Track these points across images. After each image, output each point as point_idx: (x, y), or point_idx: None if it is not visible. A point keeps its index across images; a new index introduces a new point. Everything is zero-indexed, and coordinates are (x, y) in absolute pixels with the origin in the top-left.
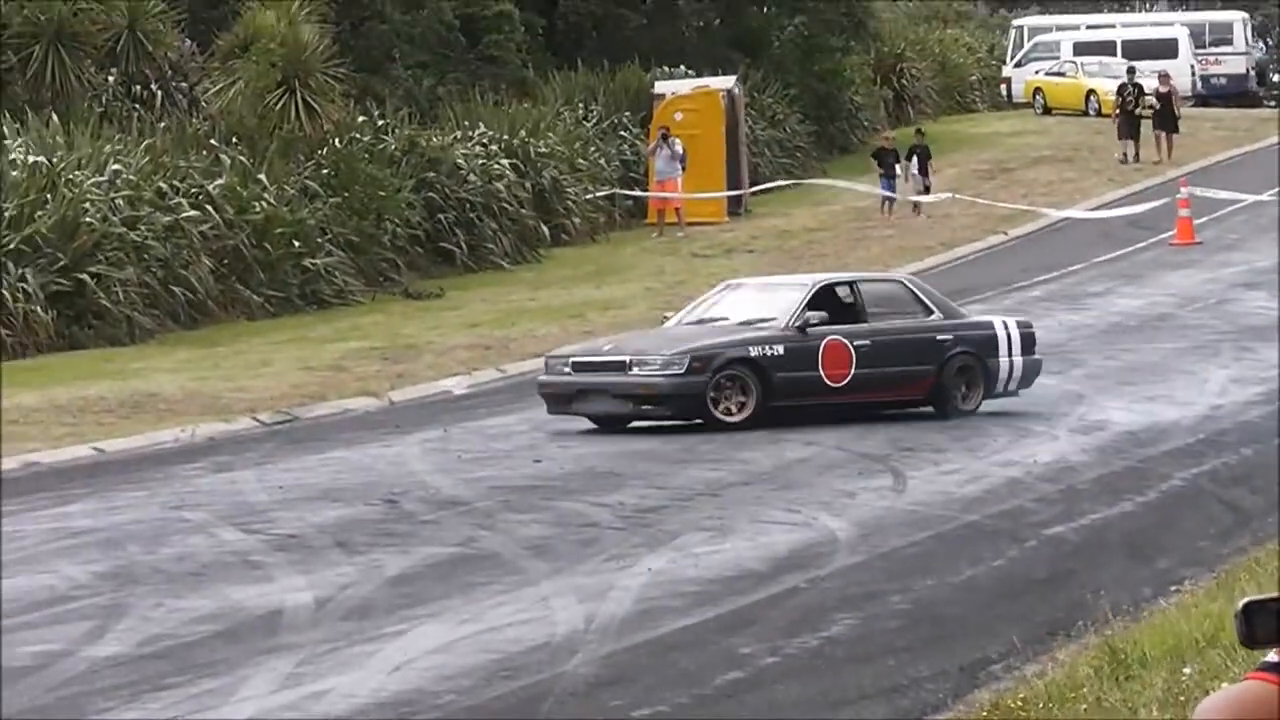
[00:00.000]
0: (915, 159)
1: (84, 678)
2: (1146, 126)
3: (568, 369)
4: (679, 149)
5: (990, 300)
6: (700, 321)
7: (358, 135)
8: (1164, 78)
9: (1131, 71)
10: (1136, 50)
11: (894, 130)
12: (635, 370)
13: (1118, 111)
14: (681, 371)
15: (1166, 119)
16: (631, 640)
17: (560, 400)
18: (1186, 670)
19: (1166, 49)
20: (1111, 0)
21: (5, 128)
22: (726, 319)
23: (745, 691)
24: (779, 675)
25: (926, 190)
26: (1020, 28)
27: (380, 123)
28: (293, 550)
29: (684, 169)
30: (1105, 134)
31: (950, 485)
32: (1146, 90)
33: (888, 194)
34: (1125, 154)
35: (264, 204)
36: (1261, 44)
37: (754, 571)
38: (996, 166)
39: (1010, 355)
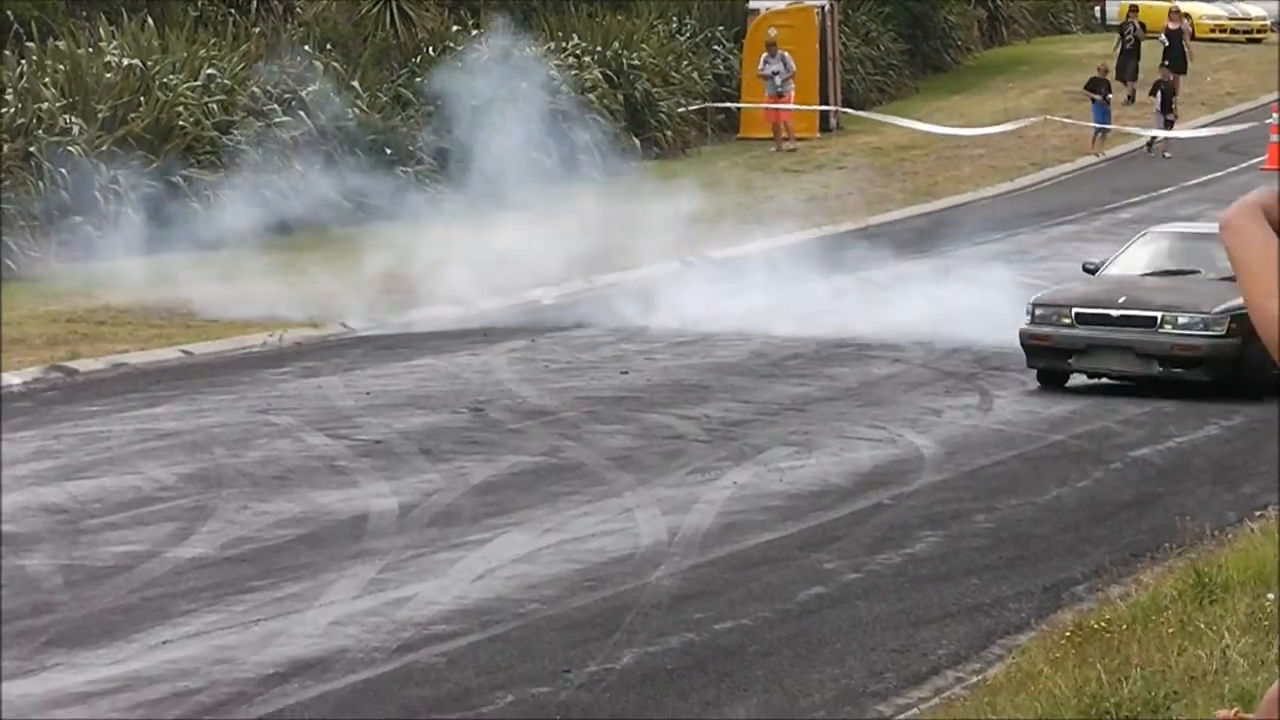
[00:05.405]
0: (1160, 94)
1: (167, 579)
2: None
3: (1068, 320)
4: (792, 64)
5: (1080, 222)
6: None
7: (451, 44)
8: (1175, 14)
9: (1134, 10)
10: None
11: (987, 50)
12: (1168, 328)
13: (1117, 51)
14: (1222, 333)
15: (1175, 59)
16: (715, 554)
17: (1056, 354)
18: (1270, 595)
19: None
20: None
21: (101, 30)
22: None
23: (828, 607)
24: (862, 592)
25: (1169, 126)
26: None
27: (475, 32)
28: (378, 456)
29: (791, 83)
30: (1197, 58)
31: (1036, 405)
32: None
33: (1100, 125)
34: (1128, 96)
35: (356, 110)
36: None
37: (838, 487)
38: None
39: None
